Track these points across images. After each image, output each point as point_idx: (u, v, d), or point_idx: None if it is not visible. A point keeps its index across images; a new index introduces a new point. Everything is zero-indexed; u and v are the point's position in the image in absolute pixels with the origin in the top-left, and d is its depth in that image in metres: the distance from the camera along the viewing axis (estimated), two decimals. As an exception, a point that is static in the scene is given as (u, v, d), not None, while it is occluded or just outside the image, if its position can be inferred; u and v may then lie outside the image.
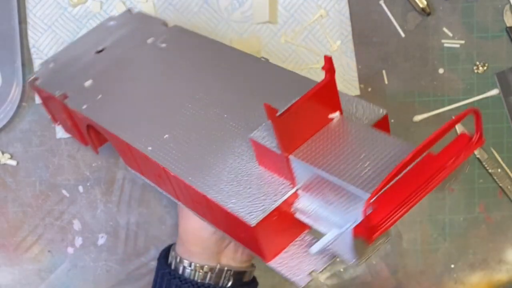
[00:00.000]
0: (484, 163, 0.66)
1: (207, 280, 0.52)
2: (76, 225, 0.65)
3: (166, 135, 0.47)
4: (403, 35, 0.66)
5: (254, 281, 0.56)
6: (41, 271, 0.65)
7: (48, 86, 0.56)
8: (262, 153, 0.42)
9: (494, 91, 0.67)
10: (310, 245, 0.42)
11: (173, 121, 0.48)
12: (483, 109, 0.67)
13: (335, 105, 0.40)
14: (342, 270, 0.66)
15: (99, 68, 0.55)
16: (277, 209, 0.40)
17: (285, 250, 0.44)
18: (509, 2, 0.67)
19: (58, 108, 0.56)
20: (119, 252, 0.65)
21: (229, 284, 0.53)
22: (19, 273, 0.64)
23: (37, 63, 0.64)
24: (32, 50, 0.64)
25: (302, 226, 0.43)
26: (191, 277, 0.52)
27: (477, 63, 0.66)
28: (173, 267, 0.53)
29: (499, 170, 0.67)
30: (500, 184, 0.67)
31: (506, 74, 0.67)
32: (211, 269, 0.52)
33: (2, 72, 0.63)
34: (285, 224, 0.42)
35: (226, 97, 0.48)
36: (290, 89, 0.46)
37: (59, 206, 0.65)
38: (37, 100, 0.64)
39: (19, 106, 0.63)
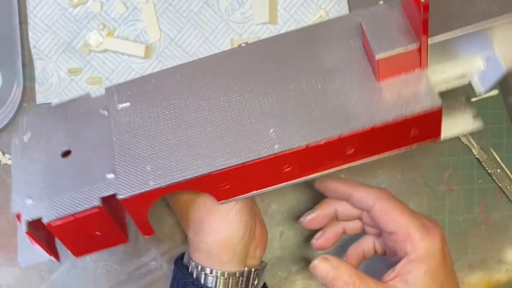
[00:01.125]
0: (483, 164, 0.66)
1: (239, 286, 0.53)
2: (77, 225, 0.65)
3: (271, 129, 0.47)
4: (402, 35, 0.66)
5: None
6: (41, 271, 0.65)
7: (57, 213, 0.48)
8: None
9: (494, 92, 0.67)
10: None
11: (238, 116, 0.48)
12: (483, 110, 0.67)
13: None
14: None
15: (115, 150, 0.49)
16: None
17: None
18: (509, 2, 0.67)
19: (84, 226, 0.49)
20: (120, 252, 0.65)
21: (255, 283, 0.55)
22: (20, 273, 0.65)
23: (37, 63, 0.64)
24: (33, 51, 0.64)
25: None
26: (224, 287, 0.53)
27: (477, 63, 0.67)
28: (197, 277, 0.53)
29: (498, 170, 0.67)
30: (500, 185, 0.67)
31: (506, 74, 0.67)
32: (242, 274, 0.53)
33: (3, 73, 0.63)
34: None
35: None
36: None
37: (59, 206, 0.65)
38: (38, 100, 0.64)
39: (19, 107, 0.63)
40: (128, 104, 0.50)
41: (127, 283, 0.65)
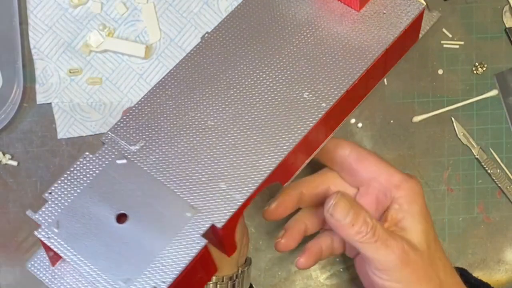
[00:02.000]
0: (483, 164, 0.67)
1: (238, 287, 0.53)
2: (77, 225, 0.65)
3: (305, 94, 0.48)
4: (402, 36, 0.66)
5: None
6: (42, 271, 0.65)
7: None
8: None
9: (493, 92, 0.67)
10: None
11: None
12: (482, 110, 0.67)
13: None
14: (342, 270, 0.66)
15: (172, 188, 0.45)
16: None
17: None
18: (508, 3, 0.67)
19: None
20: (120, 252, 0.65)
21: (249, 279, 0.54)
22: (20, 273, 0.65)
23: (38, 63, 0.64)
24: (33, 51, 0.64)
25: None
26: None
27: (476, 64, 0.67)
28: None
29: (498, 170, 0.67)
30: (499, 185, 0.67)
31: (505, 75, 0.67)
32: (237, 275, 0.53)
33: (3, 73, 0.63)
34: None
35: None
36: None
37: (60, 206, 0.65)
38: (38, 100, 0.64)
39: (20, 107, 0.63)
40: (142, 143, 0.47)
41: (127, 283, 0.66)
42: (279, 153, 0.45)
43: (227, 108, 0.48)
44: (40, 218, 0.45)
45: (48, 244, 0.43)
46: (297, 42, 0.49)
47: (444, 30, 0.66)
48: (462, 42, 0.67)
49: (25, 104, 0.64)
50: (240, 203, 0.43)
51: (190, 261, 0.42)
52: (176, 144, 0.46)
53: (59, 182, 0.46)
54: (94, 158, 0.46)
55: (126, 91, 0.65)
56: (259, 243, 0.66)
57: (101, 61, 0.65)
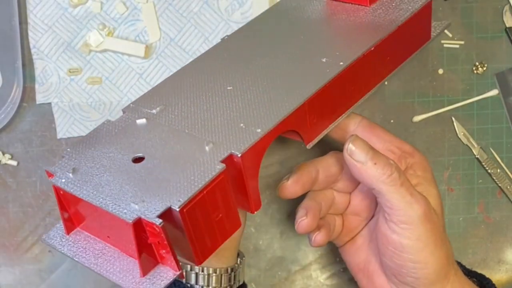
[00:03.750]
0: (483, 164, 0.66)
1: (238, 278, 0.53)
2: (77, 225, 0.65)
3: (323, 59, 0.51)
4: (402, 35, 0.66)
5: None
6: (41, 271, 0.65)
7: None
8: None
9: (494, 92, 0.67)
10: None
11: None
12: (483, 110, 0.67)
13: None
14: (342, 270, 0.66)
15: (192, 130, 0.45)
16: None
17: None
18: (509, 2, 0.67)
19: None
20: (120, 252, 0.65)
21: (244, 271, 0.54)
22: (20, 273, 0.65)
23: (37, 63, 0.64)
24: (33, 51, 0.64)
25: None
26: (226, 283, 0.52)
27: (477, 63, 0.67)
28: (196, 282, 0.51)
29: (498, 170, 0.67)
30: (500, 184, 0.67)
31: (506, 74, 0.67)
32: (238, 265, 0.53)
33: (3, 73, 0.63)
34: None
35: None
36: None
37: (59, 206, 0.65)
38: (38, 100, 0.64)
39: (19, 107, 0.63)
40: (162, 107, 0.48)
41: (127, 283, 0.66)
42: (297, 99, 0.46)
43: (246, 78, 0.50)
44: (56, 169, 0.44)
45: (62, 186, 0.42)
46: (314, 30, 0.54)
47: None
48: (462, 42, 0.67)
49: (24, 104, 0.64)
50: (259, 136, 0.43)
51: (207, 182, 0.40)
52: (195, 103, 0.48)
53: (77, 141, 0.46)
54: (114, 122, 0.48)
55: (126, 91, 0.65)
56: (259, 243, 0.66)
57: (100, 61, 0.65)
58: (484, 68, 0.67)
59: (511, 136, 0.67)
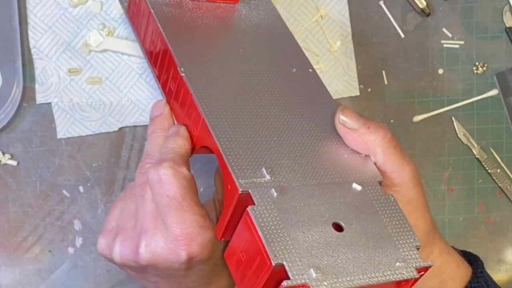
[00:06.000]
0: (483, 164, 0.66)
1: None
2: (77, 225, 0.65)
3: None
4: (402, 35, 0.66)
5: None
6: (41, 271, 0.65)
7: None
8: None
9: (494, 92, 0.67)
10: None
11: None
12: (483, 110, 0.67)
13: None
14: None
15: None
16: None
17: None
18: (509, 2, 0.67)
19: None
20: (120, 252, 0.65)
21: None
22: (20, 273, 0.65)
23: (37, 63, 0.64)
24: (33, 51, 0.64)
25: None
26: None
27: (477, 63, 0.67)
28: None
29: (498, 170, 0.67)
30: (500, 184, 0.67)
31: (506, 74, 0.67)
32: None
33: (3, 73, 0.63)
34: None
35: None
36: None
37: (59, 206, 0.65)
38: (38, 100, 0.64)
39: (19, 107, 0.63)
40: (267, 168, 0.45)
41: (127, 283, 0.65)
42: None
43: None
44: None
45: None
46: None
47: (444, 29, 0.66)
48: (462, 42, 0.67)
49: (24, 104, 0.64)
50: None
51: None
52: (286, 145, 0.47)
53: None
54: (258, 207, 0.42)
55: (126, 91, 0.65)
56: (259, 243, 0.66)
57: (100, 61, 0.64)
58: (484, 68, 0.67)
59: (511, 136, 0.67)
